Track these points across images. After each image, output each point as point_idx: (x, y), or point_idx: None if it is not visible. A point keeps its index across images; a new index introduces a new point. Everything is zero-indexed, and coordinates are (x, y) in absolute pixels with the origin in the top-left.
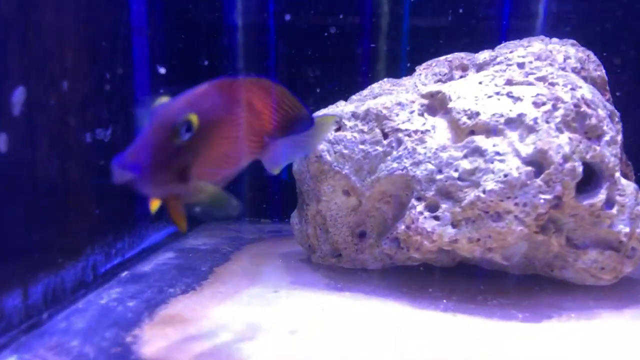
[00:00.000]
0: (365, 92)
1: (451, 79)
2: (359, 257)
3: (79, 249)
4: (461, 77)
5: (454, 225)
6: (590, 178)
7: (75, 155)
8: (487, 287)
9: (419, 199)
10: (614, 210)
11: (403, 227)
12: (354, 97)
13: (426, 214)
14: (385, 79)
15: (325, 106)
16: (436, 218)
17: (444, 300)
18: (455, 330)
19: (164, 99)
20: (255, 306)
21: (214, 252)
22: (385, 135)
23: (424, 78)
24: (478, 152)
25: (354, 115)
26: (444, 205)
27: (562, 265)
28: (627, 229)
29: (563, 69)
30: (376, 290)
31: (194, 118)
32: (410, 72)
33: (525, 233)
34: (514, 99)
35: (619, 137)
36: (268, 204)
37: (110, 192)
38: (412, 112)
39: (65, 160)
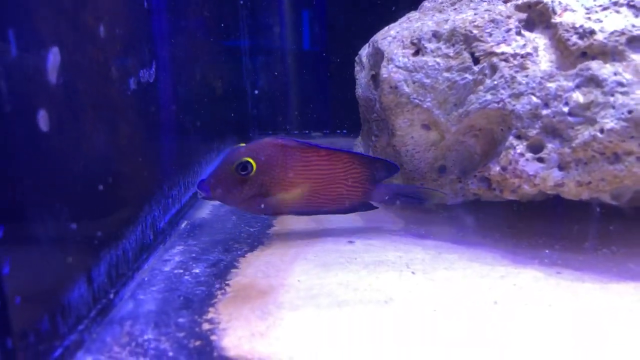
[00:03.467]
0: None
1: None
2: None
3: (137, 210)
4: None
5: (561, 168)
6: None
7: (120, 107)
8: (591, 228)
9: (518, 137)
10: None
11: (498, 168)
12: (426, 3)
13: (528, 155)
14: None
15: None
16: (540, 160)
17: (546, 250)
18: (563, 298)
19: (240, 145)
20: (334, 267)
21: None
22: (476, 60)
23: None
24: (594, 82)
25: (436, 36)
26: (550, 145)
27: None
28: None
29: None
30: (465, 237)
31: (251, 160)
32: None
33: None
34: (637, 10)
35: None
36: (318, 115)
37: (157, 136)
38: (508, 30)
39: (108, 115)
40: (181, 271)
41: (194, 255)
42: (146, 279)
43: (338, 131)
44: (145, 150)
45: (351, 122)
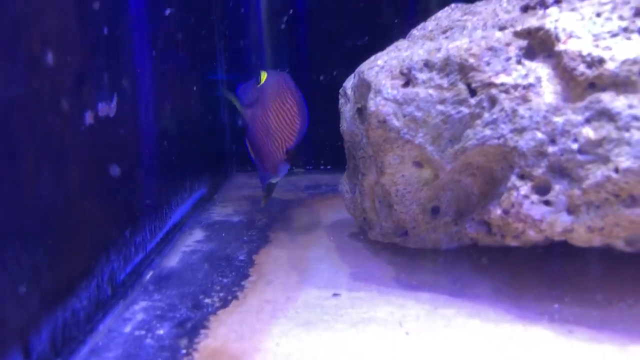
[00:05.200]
0: (430, 24)
1: (543, 4)
2: (431, 237)
3: (91, 261)
4: (556, 1)
5: (570, 212)
6: None
7: (72, 145)
8: (603, 276)
9: (522, 177)
10: None
11: (499, 211)
12: (414, 31)
13: (533, 197)
14: (454, 5)
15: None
16: (547, 203)
17: (556, 305)
18: None
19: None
20: (316, 325)
21: (248, 227)
22: (473, 92)
23: (507, 3)
24: (607, 115)
25: (428, 65)
26: (557, 187)
27: None
28: None
29: None
30: (463, 288)
31: (263, 74)
32: None
33: None
34: None
35: None
36: (300, 151)
37: (118, 176)
38: (508, 59)
39: (59, 155)
40: (143, 332)
41: (158, 312)
42: (101, 343)
43: (322, 167)
44: (104, 192)
45: (335, 158)
